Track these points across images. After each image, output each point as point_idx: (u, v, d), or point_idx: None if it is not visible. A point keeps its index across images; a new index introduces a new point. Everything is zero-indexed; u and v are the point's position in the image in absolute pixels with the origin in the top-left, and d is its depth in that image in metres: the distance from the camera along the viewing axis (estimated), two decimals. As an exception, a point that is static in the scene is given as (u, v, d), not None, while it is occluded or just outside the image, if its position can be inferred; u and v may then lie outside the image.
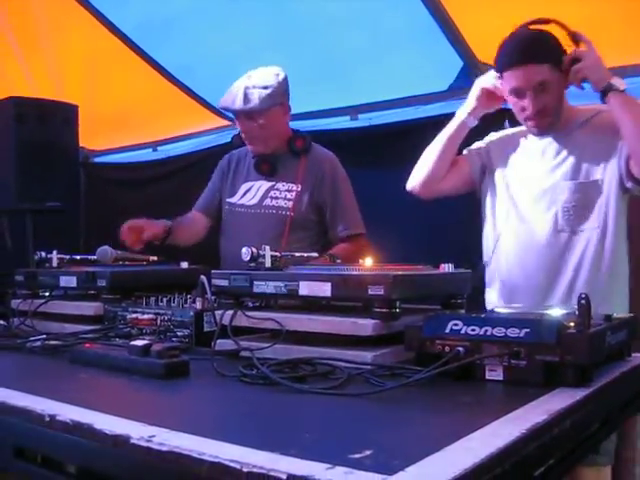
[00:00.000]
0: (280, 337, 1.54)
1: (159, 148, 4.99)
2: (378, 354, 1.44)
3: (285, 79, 2.70)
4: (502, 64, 2.12)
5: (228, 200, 2.84)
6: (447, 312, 1.65)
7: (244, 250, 1.72)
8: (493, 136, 2.40)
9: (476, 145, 2.39)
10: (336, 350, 1.46)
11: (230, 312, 1.65)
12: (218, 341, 1.60)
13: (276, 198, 2.73)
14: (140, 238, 2.56)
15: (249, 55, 3.63)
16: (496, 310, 1.53)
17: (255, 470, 0.82)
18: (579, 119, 2.19)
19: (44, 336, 1.77)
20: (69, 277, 2.07)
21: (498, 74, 2.15)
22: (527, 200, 2.23)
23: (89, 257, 2.34)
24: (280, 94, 2.68)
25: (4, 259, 3.89)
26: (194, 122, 4.68)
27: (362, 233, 2.77)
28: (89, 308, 1.97)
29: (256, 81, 2.66)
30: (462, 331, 1.33)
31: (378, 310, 1.46)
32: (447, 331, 1.35)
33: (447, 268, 1.68)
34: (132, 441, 0.96)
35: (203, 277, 1.77)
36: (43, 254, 2.28)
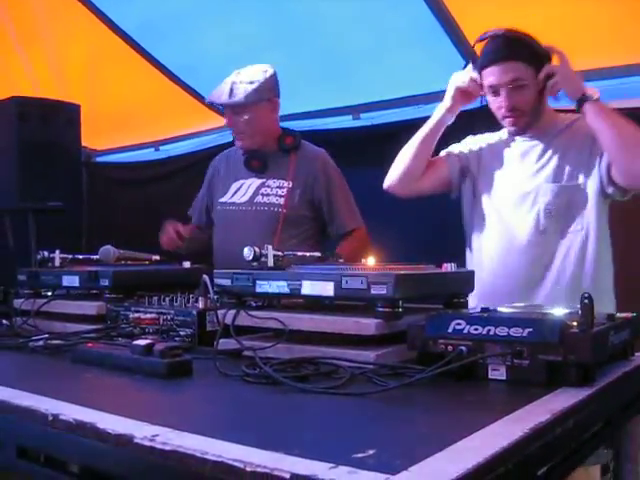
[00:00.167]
0: (283, 336, 1.54)
1: (161, 148, 5.00)
2: (381, 353, 1.44)
3: (273, 76, 2.72)
4: (480, 63, 2.17)
5: (220, 200, 2.85)
6: (450, 311, 1.65)
7: (246, 249, 1.72)
8: (472, 139, 2.42)
9: (456, 148, 2.41)
10: (339, 349, 1.46)
11: (232, 311, 1.65)
12: (221, 340, 1.60)
13: (267, 195, 2.75)
14: (180, 237, 2.70)
15: (251, 54, 3.61)
16: (499, 309, 1.52)
17: (259, 470, 0.82)
18: (561, 124, 2.23)
19: (46, 335, 1.77)
20: (72, 276, 2.07)
21: (478, 74, 2.19)
22: (509, 202, 2.25)
23: (91, 257, 2.34)
24: (267, 90, 2.70)
25: (6, 258, 3.89)
26: (196, 122, 4.68)
27: (361, 226, 2.79)
28: (91, 307, 1.97)
29: (243, 77, 2.69)
30: (465, 330, 1.33)
31: (381, 309, 1.45)
32: (450, 330, 1.34)
33: (449, 267, 1.68)
34: (135, 440, 0.96)
35: (205, 276, 1.77)
36: (46, 253, 2.28)
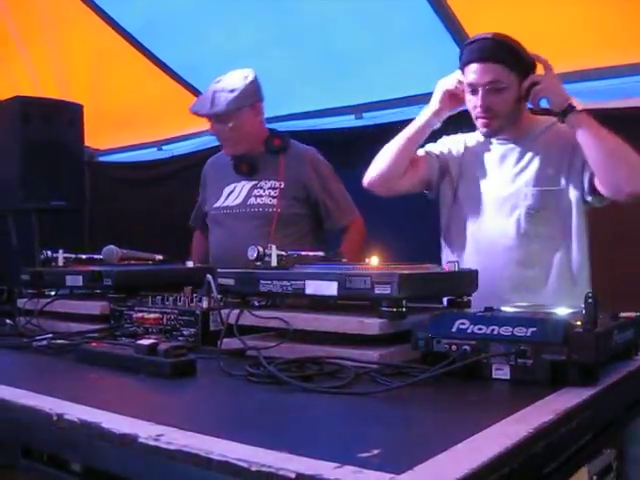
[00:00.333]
0: (286, 336, 1.54)
1: (164, 147, 4.99)
2: (384, 353, 1.44)
3: (254, 81, 2.74)
4: (463, 60, 2.15)
5: (214, 206, 2.88)
6: (454, 311, 1.65)
7: (250, 249, 1.72)
8: (450, 140, 2.40)
9: (435, 148, 2.39)
10: (342, 349, 1.46)
11: (236, 311, 1.65)
12: (224, 340, 1.60)
13: (260, 196, 2.77)
14: None
15: (254, 54, 3.64)
16: (502, 309, 1.52)
17: (264, 469, 0.82)
18: (538, 127, 2.23)
19: (50, 335, 1.77)
20: (75, 276, 2.07)
21: (460, 72, 2.18)
22: (489, 206, 2.25)
23: (95, 256, 2.34)
24: (249, 96, 2.72)
25: (10, 258, 3.90)
26: (199, 121, 4.62)
27: (358, 218, 2.82)
28: (95, 307, 1.97)
29: (224, 85, 2.71)
30: (469, 330, 1.33)
31: (385, 309, 1.45)
32: (454, 330, 1.35)
33: (453, 267, 1.68)
34: (140, 440, 0.96)
35: (209, 276, 1.77)
36: (49, 253, 2.29)
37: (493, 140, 2.28)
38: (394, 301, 1.45)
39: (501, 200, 2.23)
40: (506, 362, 1.29)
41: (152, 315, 1.80)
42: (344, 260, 1.87)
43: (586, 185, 2.12)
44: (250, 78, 2.74)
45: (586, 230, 2.21)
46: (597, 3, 2.85)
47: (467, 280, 1.74)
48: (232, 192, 2.85)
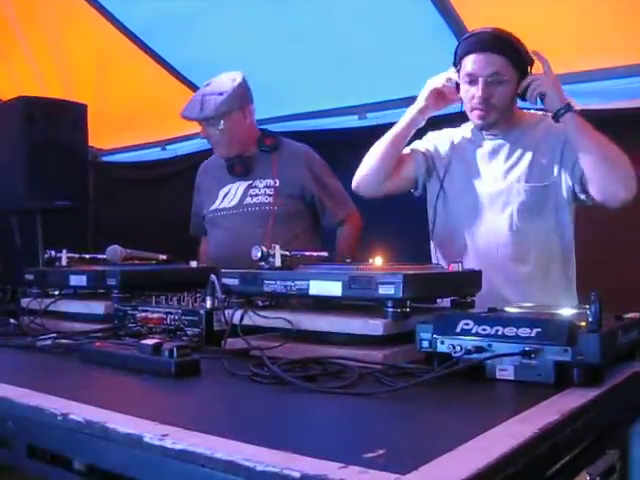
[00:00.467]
0: (290, 336, 1.54)
1: (168, 147, 4.99)
2: (388, 353, 1.44)
3: (242, 83, 2.75)
4: (462, 51, 2.14)
5: (210, 209, 2.89)
6: (458, 311, 1.65)
7: (254, 249, 1.73)
8: (435, 137, 2.39)
9: (420, 146, 2.37)
10: (346, 349, 1.46)
11: (240, 311, 1.66)
12: (228, 340, 1.61)
13: (256, 195, 2.79)
14: None
15: (257, 54, 3.64)
16: (506, 309, 1.52)
17: (269, 469, 0.83)
18: (526, 123, 2.23)
19: (54, 335, 1.78)
20: (79, 276, 2.07)
21: (455, 67, 2.17)
22: (480, 203, 2.25)
23: (98, 256, 2.34)
24: (237, 98, 2.74)
25: (14, 258, 3.90)
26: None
27: (354, 212, 2.86)
28: (99, 307, 1.98)
29: (213, 88, 2.74)
30: (473, 330, 1.33)
31: (389, 309, 1.45)
32: (458, 330, 1.34)
33: (456, 267, 1.68)
34: (145, 440, 0.96)
35: (213, 276, 1.77)
36: (53, 253, 2.29)
37: (484, 135, 2.27)
38: (398, 301, 1.45)
39: (493, 196, 2.22)
40: (510, 363, 1.29)
41: (156, 315, 1.80)
42: (348, 260, 1.86)
43: (578, 184, 2.11)
44: (238, 80, 2.75)
45: (573, 226, 2.22)
46: (605, 3, 2.85)
47: (471, 280, 1.74)
48: (228, 193, 2.86)
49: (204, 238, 3.08)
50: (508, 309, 1.53)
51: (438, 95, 2.22)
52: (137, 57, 4.26)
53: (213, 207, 2.89)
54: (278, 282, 1.62)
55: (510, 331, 1.29)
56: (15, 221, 4.28)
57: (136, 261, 2.34)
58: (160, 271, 2.26)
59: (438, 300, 1.81)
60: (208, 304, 1.75)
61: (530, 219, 2.18)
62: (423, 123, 2.28)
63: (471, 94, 2.14)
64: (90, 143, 4.35)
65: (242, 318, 1.64)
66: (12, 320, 2.05)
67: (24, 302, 2.15)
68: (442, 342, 1.36)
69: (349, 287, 1.50)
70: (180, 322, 1.76)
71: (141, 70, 4.37)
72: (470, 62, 2.10)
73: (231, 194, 2.86)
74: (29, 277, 2.21)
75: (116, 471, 1.03)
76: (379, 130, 3.58)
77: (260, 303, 1.73)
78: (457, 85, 2.19)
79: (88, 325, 1.91)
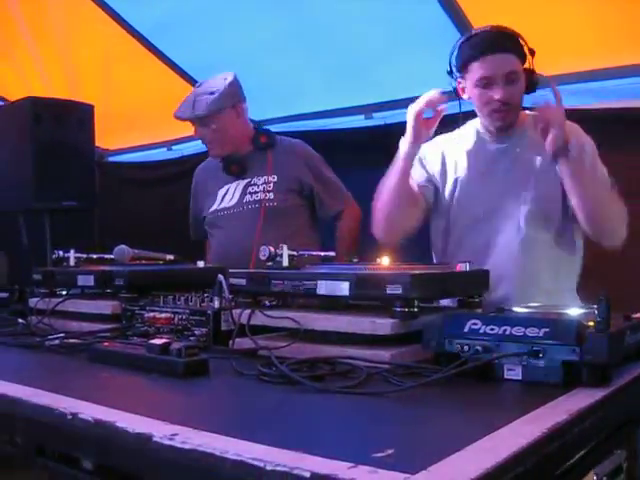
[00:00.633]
0: (298, 336, 1.54)
1: (174, 147, 5.00)
2: (396, 353, 1.44)
3: (233, 82, 2.77)
4: (469, 56, 2.10)
5: (210, 210, 2.90)
6: (466, 311, 1.65)
7: (262, 249, 1.73)
8: (427, 153, 2.31)
9: (419, 175, 2.29)
10: (354, 349, 1.46)
11: (248, 311, 1.66)
12: (236, 340, 1.61)
13: (255, 192, 2.81)
14: None
15: (266, 55, 3.65)
16: (514, 309, 1.52)
17: (278, 468, 0.83)
18: (528, 122, 2.17)
19: (62, 335, 1.78)
20: (87, 276, 2.07)
21: (459, 74, 2.15)
22: (484, 212, 2.21)
23: (106, 256, 2.35)
24: (229, 97, 2.76)
25: (21, 258, 3.91)
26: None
27: (350, 204, 2.88)
28: (107, 307, 1.98)
29: (205, 88, 2.76)
30: (481, 330, 1.33)
31: (397, 309, 1.46)
32: (466, 330, 1.34)
33: (464, 267, 1.68)
34: (154, 439, 0.96)
35: (221, 276, 1.77)
36: (60, 253, 2.30)
37: (486, 138, 2.23)
38: (406, 301, 1.45)
39: (498, 205, 2.19)
40: (518, 363, 1.29)
41: (164, 315, 1.80)
42: (355, 260, 1.87)
43: None
44: (229, 79, 2.77)
45: (580, 234, 2.20)
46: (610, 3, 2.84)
47: (479, 280, 1.74)
48: (226, 193, 2.88)
49: (207, 242, 3.08)
50: (516, 309, 1.53)
51: (424, 121, 2.11)
52: (144, 57, 4.26)
53: (213, 208, 2.90)
54: (286, 282, 1.62)
55: (518, 331, 1.29)
56: (23, 221, 4.29)
57: (143, 261, 2.34)
58: (167, 271, 2.27)
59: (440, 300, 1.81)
60: (216, 304, 1.75)
61: (537, 225, 2.16)
62: (419, 149, 2.17)
63: (487, 97, 2.09)
64: (97, 143, 4.37)
65: (250, 318, 1.64)
66: (20, 320, 2.07)
67: (32, 302, 2.15)
68: (450, 342, 1.36)
69: (357, 287, 1.50)
70: (188, 322, 1.76)
71: (148, 70, 4.37)
72: (482, 66, 2.06)
73: (230, 193, 2.87)
74: (37, 277, 2.21)
75: (125, 471, 1.03)
76: (385, 130, 3.59)
77: (267, 303, 1.73)
78: (456, 90, 2.17)
79: (96, 325, 1.92)
